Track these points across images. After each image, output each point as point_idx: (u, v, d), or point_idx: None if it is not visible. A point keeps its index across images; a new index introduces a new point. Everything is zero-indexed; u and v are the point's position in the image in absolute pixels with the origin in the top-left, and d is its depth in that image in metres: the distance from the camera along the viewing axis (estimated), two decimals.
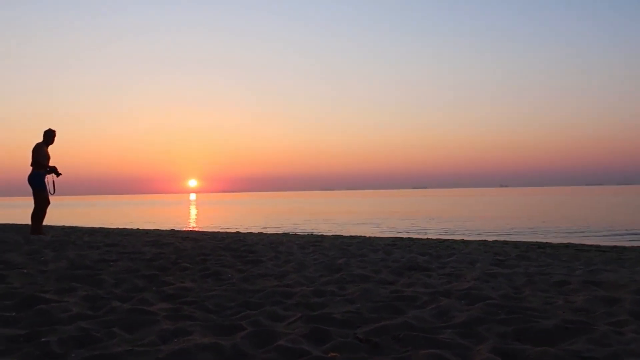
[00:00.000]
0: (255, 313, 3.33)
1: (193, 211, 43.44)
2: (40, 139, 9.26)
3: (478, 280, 4.70)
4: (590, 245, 11.07)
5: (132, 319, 3.07)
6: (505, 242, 11.57)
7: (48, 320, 3.07)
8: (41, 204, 9.22)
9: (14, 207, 61.62)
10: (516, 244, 10.74)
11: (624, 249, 9.62)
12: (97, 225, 23.61)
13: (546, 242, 11.78)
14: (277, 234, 15.09)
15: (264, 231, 18.58)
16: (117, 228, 18.89)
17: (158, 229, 17.66)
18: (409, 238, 13.09)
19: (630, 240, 13.72)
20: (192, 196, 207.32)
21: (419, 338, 2.73)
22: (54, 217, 28.31)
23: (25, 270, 4.73)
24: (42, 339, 2.70)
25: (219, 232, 15.84)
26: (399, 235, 16.14)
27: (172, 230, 15.37)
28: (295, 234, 14.95)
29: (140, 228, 18.84)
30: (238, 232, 14.86)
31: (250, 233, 14.54)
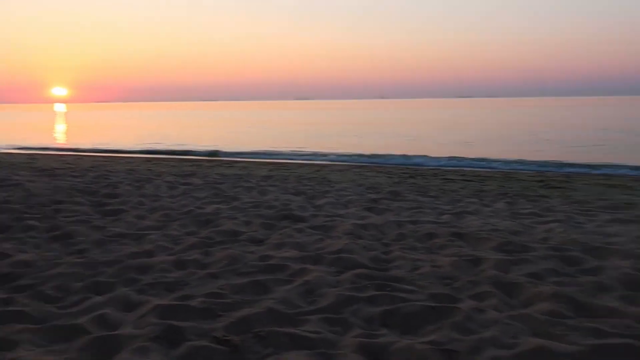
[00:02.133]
0: (104, 301, 2.90)
1: (59, 126, 39.57)
2: None
3: (350, 235, 4.59)
4: (455, 172, 11.67)
5: None
6: (379, 170, 11.86)
7: None
8: None
9: None
10: (390, 173, 11.01)
11: (485, 178, 10.21)
12: None
13: (416, 169, 12.26)
14: (148, 160, 14.15)
15: (138, 151, 17.27)
16: None
17: (12, 152, 15.87)
18: (285, 166, 12.92)
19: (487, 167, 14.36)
20: (59, 107, 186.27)
21: (281, 335, 2.51)
22: None
23: None
24: None
25: (83, 157, 14.57)
26: (278, 158, 15.98)
27: (31, 157, 13.86)
28: (170, 160, 14.18)
29: None
30: (107, 159, 13.71)
31: (119, 160, 13.51)
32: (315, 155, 16.90)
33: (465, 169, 12.97)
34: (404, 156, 15.90)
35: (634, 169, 12.40)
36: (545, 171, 12.20)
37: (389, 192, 7.46)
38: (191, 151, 17.79)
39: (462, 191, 7.95)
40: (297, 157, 16.58)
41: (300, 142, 21.85)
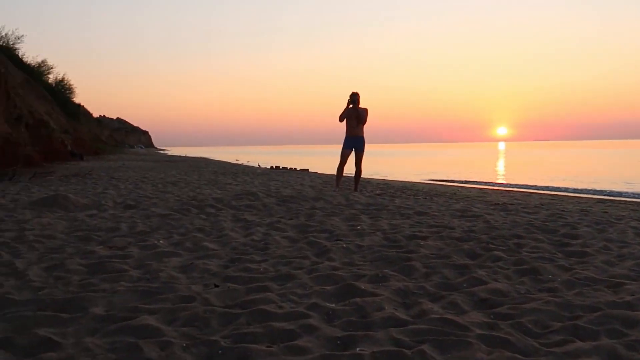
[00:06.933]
0: (588, 349, 2.56)
1: (501, 163, 39.32)
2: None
3: None
4: None
5: (444, 333, 2.75)
6: None
7: (363, 321, 2.89)
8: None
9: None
10: None
11: None
12: (407, 176, 22.90)
13: None
14: (602, 200, 11.75)
15: (586, 194, 14.62)
16: (428, 183, 18.44)
17: (465, 187, 16.26)
18: None
19: None
20: (501, 145, 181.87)
21: None
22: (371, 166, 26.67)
23: (345, 245, 4.73)
24: (358, 349, 2.52)
25: (531, 194, 13.59)
26: None
27: (482, 191, 13.77)
28: (626, 203, 11.09)
29: (449, 185, 17.33)
30: (554, 197, 12.31)
31: (570, 199, 11.73)
32: None
33: None
34: None
35: None
36: None
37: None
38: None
39: None
40: None
41: None
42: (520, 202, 9.79)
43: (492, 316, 3.06)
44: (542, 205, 9.13)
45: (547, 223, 6.33)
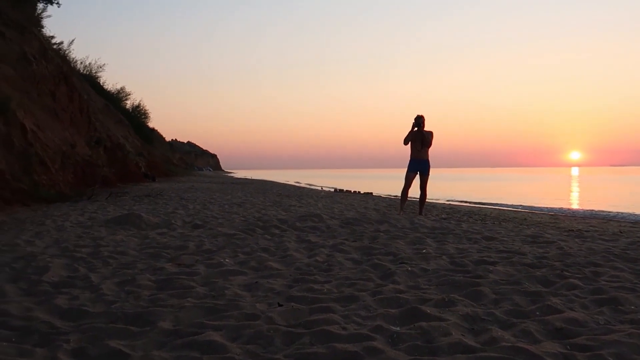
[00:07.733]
0: None
1: (575, 189, 37.38)
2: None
3: None
4: None
5: None
6: None
7: (428, 346, 2.79)
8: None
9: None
10: None
11: None
12: (473, 199, 22.68)
13: None
14: None
15: None
16: (496, 208, 17.94)
17: (536, 213, 15.62)
18: None
19: None
20: (574, 170, 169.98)
21: None
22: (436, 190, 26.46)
23: (409, 268, 4.66)
24: None
25: (608, 221, 12.92)
26: None
27: (554, 217, 13.37)
28: None
29: (518, 210, 16.97)
30: (634, 225, 11.52)
31: None
32: None
33: None
34: None
35: None
36: None
37: None
38: None
39: None
40: None
41: None
42: (596, 229, 9.24)
43: (568, 347, 2.86)
44: (621, 232, 8.56)
45: (627, 251, 5.90)
